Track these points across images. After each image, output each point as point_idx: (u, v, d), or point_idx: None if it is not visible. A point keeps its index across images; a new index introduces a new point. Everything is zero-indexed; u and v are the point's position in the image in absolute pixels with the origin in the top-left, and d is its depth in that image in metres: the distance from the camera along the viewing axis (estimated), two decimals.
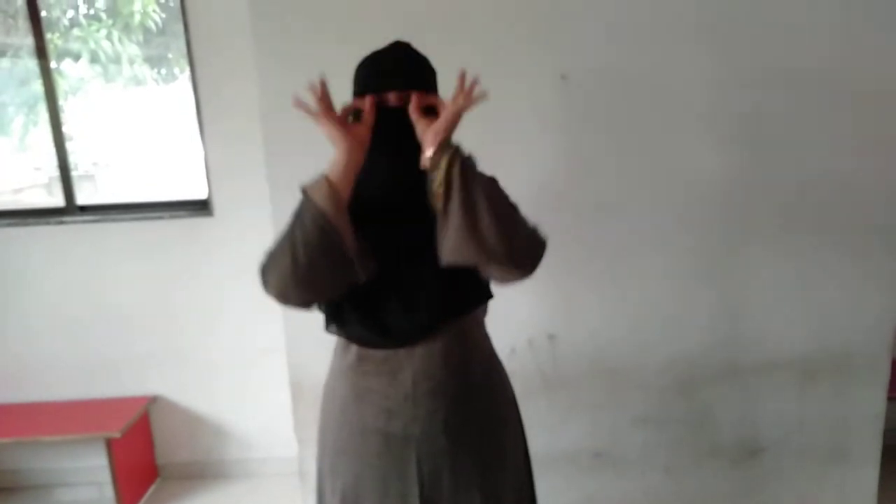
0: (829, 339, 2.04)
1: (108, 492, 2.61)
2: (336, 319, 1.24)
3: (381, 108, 1.16)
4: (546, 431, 2.04)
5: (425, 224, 1.16)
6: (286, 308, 1.20)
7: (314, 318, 1.28)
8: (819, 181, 1.93)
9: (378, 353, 1.23)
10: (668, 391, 2.07)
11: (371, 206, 1.17)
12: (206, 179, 2.70)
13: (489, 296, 1.28)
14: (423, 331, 1.21)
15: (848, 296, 2.00)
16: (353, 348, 1.25)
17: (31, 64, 2.69)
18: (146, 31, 2.94)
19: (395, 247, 1.18)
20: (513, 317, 1.92)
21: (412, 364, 1.22)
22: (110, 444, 2.52)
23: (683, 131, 1.91)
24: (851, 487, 2.15)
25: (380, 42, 1.23)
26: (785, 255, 1.98)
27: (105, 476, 2.60)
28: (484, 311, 1.35)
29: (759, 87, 1.87)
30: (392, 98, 1.16)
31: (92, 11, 2.97)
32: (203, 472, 2.92)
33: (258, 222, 2.33)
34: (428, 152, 1.11)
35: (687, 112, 1.90)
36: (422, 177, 1.13)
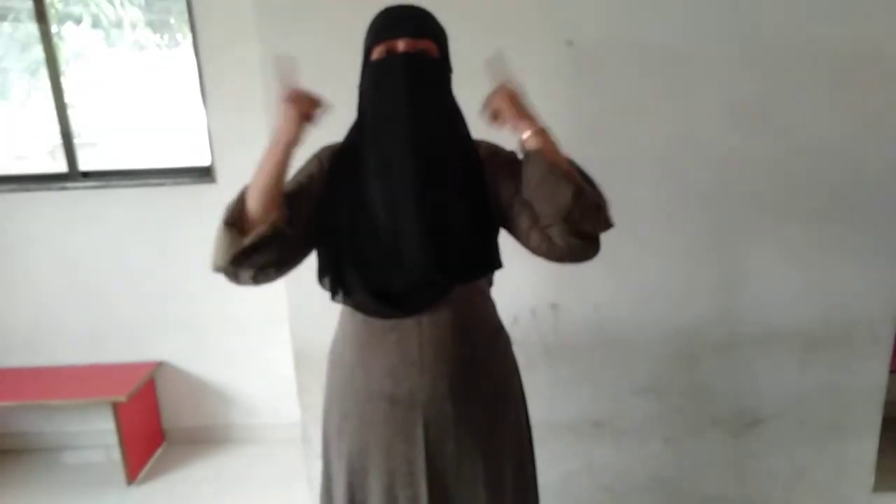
0: (831, 310, 2.03)
1: (116, 455, 2.66)
2: (342, 288, 1.24)
3: (391, 55, 1.17)
4: (547, 400, 2.06)
5: (445, 184, 1.18)
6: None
7: (317, 286, 1.28)
8: (825, 154, 1.90)
9: (385, 321, 1.24)
10: (669, 362, 2.07)
11: (377, 159, 1.19)
12: (208, 146, 2.68)
13: (498, 265, 1.28)
14: (431, 300, 1.22)
15: (851, 267, 1.99)
16: (359, 315, 1.27)
17: (32, 28, 2.66)
18: None
19: (403, 209, 1.18)
20: (516, 286, 1.91)
21: (419, 331, 1.23)
22: (117, 409, 2.56)
23: (690, 102, 1.87)
24: (850, 459, 2.17)
25: (383, 6, 1.23)
26: (788, 226, 1.96)
27: (112, 439, 2.65)
28: (490, 282, 1.38)
29: (771, 57, 1.83)
30: (402, 45, 1.17)
31: None
32: (208, 437, 2.97)
33: None
34: (525, 135, 1.20)
35: (694, 82, 1.86)
36: (446, 134, 1.21)
